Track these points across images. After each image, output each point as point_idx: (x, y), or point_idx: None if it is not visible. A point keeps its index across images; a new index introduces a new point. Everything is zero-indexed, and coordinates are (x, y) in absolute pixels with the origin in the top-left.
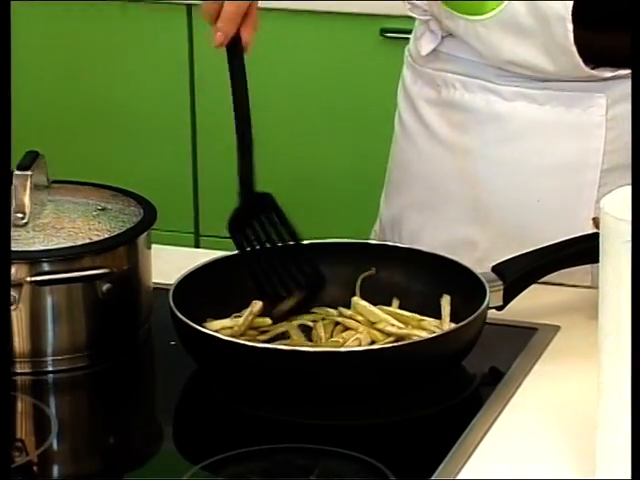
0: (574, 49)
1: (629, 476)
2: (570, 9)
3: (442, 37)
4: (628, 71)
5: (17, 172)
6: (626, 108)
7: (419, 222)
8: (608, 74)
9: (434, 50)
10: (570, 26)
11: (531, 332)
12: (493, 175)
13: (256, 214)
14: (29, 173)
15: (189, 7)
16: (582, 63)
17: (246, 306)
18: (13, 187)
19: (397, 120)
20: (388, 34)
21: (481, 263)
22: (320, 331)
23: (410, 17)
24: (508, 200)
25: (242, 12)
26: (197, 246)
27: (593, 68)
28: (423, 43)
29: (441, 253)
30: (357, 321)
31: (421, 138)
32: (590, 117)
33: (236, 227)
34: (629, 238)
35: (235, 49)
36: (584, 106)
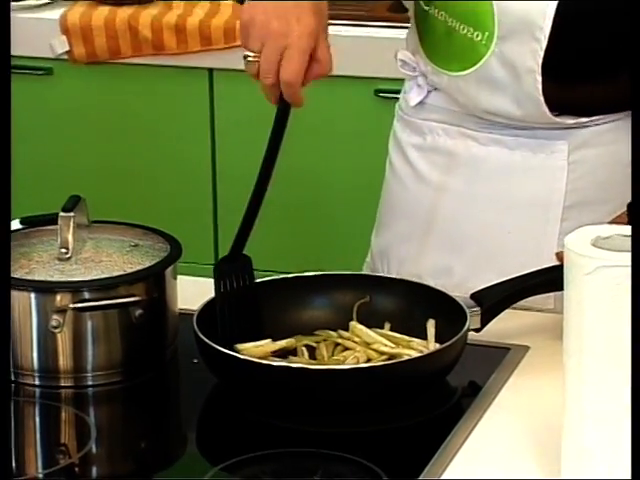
0: (541, 98)
1: (591, 476)
2: (540, 63)
3: (428, 91)
4: (588, 119)
5: (62, 214)
6: (585, 153)
7: (404, 252)
8: (570, 121)
9: (421, 102)
10: (539, 78)
11: (505, 351)
12: (469, 210)
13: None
14: (72, 214)
15: (210, 71)
16: (548, 111)
17: (257, 328)
18: (58, 227)
19: (388, 165)
20: (381, 94)
21: (458, 287)
22: (323, 350)
23: (400, 79)
24: (482, 232)
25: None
26: None
27: (557, 116)
28: (412, 96)
29: (426, 282)
30: (355, 342)
31: (409, 178)
32: (554, 161)
33: (219, 274)
34: (589, 271)
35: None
36: (548, 151)
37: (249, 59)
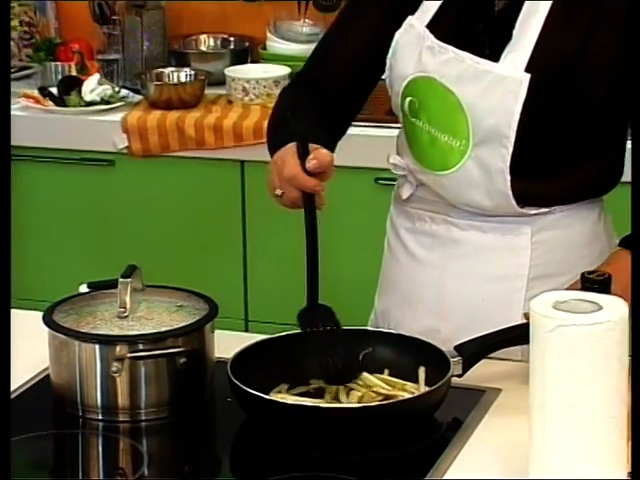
0: (510, 193)
1: None
2: (508, 165)
3: (416, 186)
4: (547, 209)
5: (121, 280)
6: (545, 236)
7: (400, 315)
8: (533, 211)
9: (411, 195)
10: (508, 177)
11: (481, 393)
12: (451, 282)
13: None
14: (129, 280)
15: (242, 162)
16: (515, 204)
17: (285, 374)
18: (118, 290)
19: (386, 244)
20: (381, 181)
21: (444, 343)
22: (331, 393)
23: None
24: (462, 300)
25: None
26: (246, 330)
27: (522, 207)
28: (403, 190)
29: (418, 336)
30: (359, 385)
31: (402, 256)
32: (519, 242)
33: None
34: (550, 329)
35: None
36: (515, 234)
37: (277, 193)
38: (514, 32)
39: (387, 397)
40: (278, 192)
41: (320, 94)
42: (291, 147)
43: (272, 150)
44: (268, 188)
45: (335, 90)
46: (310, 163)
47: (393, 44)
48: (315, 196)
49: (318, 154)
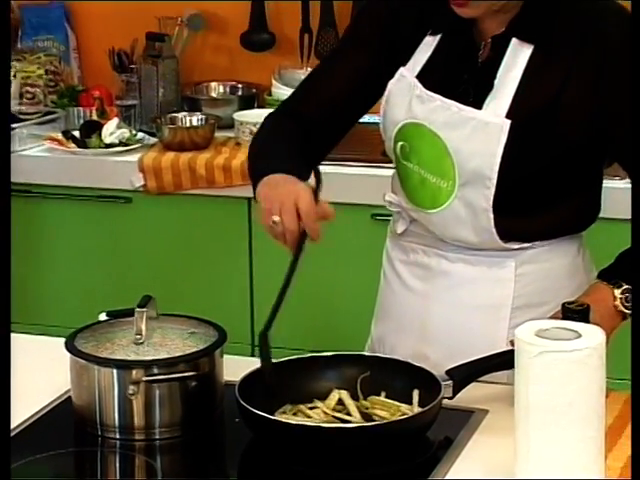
0: (494, 230)
1: None
2: (491, 204)
3: (410, 222)
4: (529, 244)
5: (137, 309)
6: (528, 268)
7: (395, 341)
8: (515, 246)
9: (405, 230)
10: (492, 216)
11: (470, 414)
12: (441, 311)
13: None
14: (145, 310)
15: (249, 199)
16: (499, 240)
17: (289, 396)
18: (135, 318)
19: (382, 274)
20: (377, 217)
21: (435, 368)
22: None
23: None
24: (450, 327)
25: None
26: (253, 355)
27: (506, 242)
28: (398, 226)
29: (411, 361)
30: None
31: (396, 286)
32: (504, 274)
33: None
34: (534, 355)
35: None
36: (500, 267)
37: (274, 219)
38: (495, 82)
39: (384, 418)
40: (276, 219)
41: (300, 124)
42: (290, 177)
43: (259, 169)
44: (262, 214)
45: (315, 123)
46: (325, 211)
47: (386, 92)
48: (306, 237)
49: (327, 208)
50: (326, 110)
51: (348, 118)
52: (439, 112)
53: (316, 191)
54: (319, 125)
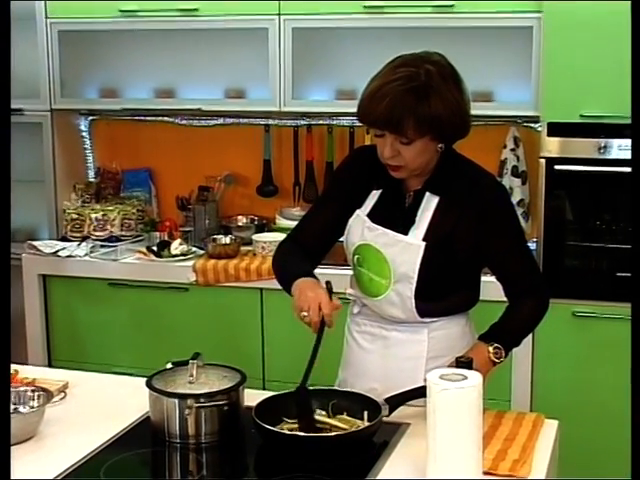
0: (415, 311)
1: None
2: (413, 294)
3: (362, 306)
4: (437, 318)
5: (191, 361)
6: (435, 333)
7: (353, 381)
8: (428, 320)
9: (359, 311)
10: (413, 302)
11: (399, 425)
12: (382, 361)
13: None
14: (195, 361)
15: (261, 290)
16: (418, 317)
17: (289, 415)
18: (189, 366)
19: (344, 340)
20: (344, 301)
21: (380, 397)
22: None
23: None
24: (388, 372)
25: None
26: (264, 388)
27: (422, 317)
28: (354, 308)
29: (364, 393)
30: (329, 423)
31: (354, 346)
32: (421, 337)
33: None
34: (438, 391)
35: (321, 326)
36: (419, 333)
37: (304, 314)
38: (416, 219)
39: (344, 430)
40: (305, 314)
41: (301, 246)
42: (314, 282)
43: (289, 278)
44: (295, 310)
45: (309, 245)
46: (337, 305)
47: (348, 225)
48: (325, 322)
49: (338, 304)
50: (317, 238)
51: (329, 242)
52: (381, 237)
53: (330, 294)
54: (313, 247)
